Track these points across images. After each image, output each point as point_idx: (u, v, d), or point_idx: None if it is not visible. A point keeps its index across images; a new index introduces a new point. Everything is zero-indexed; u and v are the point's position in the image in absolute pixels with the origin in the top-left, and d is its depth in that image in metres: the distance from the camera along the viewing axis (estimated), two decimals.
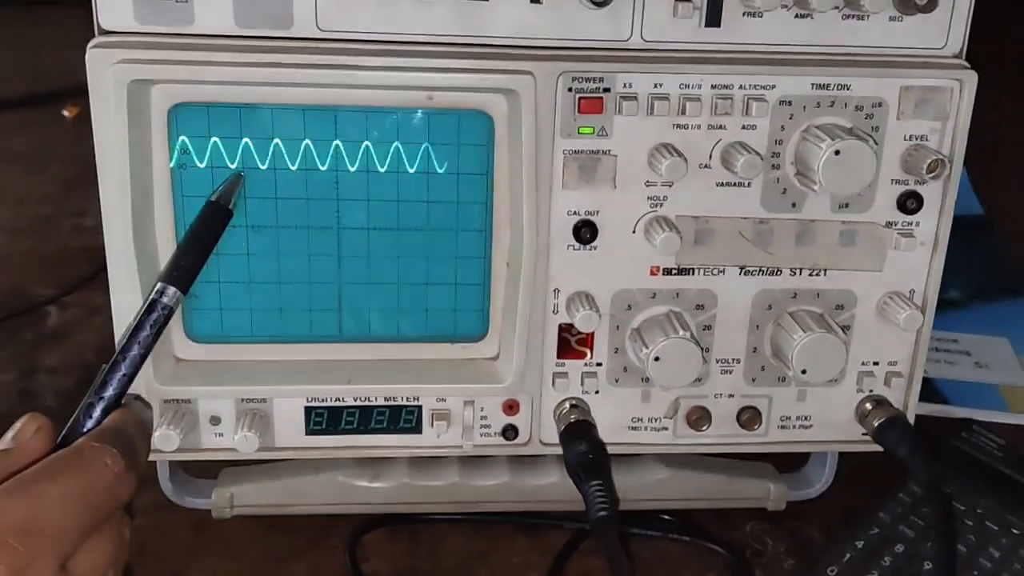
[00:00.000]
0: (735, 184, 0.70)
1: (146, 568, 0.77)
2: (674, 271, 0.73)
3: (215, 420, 0.74)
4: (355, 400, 0.75)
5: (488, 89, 0.68)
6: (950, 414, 0.97)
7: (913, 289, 0.74)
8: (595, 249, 0.71)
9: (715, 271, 0.73)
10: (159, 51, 0.65)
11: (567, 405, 0.75)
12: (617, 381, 0.75)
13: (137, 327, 0.64)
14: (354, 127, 0.69)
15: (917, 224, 0.72)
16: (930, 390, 0.99)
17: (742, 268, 0.73)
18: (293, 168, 0.70)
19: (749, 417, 0.76)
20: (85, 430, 0.60)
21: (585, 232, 0.71)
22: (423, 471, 0.82)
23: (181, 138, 0.68)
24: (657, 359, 0.70)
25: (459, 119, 0.70)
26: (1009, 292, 1.18)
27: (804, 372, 0.72)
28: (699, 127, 0.69)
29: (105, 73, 0.65)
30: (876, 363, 0.76)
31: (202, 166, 0.69)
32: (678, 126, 0.69)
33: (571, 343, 0.74)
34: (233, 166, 0.69)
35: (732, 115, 0.69)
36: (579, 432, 0.73)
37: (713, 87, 0.68)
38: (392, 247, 0.72)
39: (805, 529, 0.84)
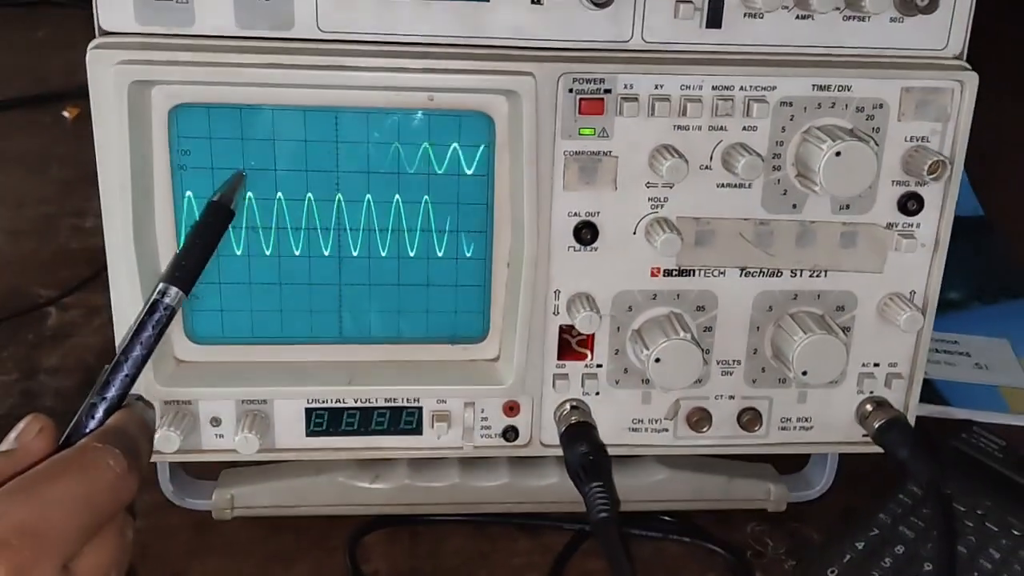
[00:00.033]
0: (736, 185, 0.70)
1: (147, 570, 0.77)
2: (675, 272, 0.73)
3: (216, 421, 0.74)
4: (355, 401, 0.75)
5: (489, 90, 0.68)
6: (950, 415, 0.97)
7: (914, 290, 0.74)
8: (596, 250, 0.71)
9: (716, 272, 0.73)
10: (160, 52, 0.65)
11: (567, 406, 0.75)
12: (617, 382, 0.75)
13: (139, 327, 0.63)
14: (355, 128, 0.69)
15: (918, 225, 0.72)
16: (930, 391, 0.99)
17: (743, 269, 0.73)
18: (293, 169, 0.70)
19: (750, 418, 0.76)
20: (88, 431, 0.60)
21: (586, 233, 0.71)
22: (423, 472, 0.82)
23: (182, 139, 0.68)
24: (658, 360, 0.70)
25: (459, 120, 0.70)
26: (1009, 293, 1.18)
27: (805, 373, 0.72)
28: (700, 128, 0.69)
29: (106, 74, 0.65)
30: (877, 364, 0.76)
31: (203, 167, 0.69)
32: (679, 127, 0.69)
33: (572, 344, 0.74)
34: (234, 167, 0.69)
35: (733, 116, 0.69)
36: (580, 433, 0.73)
37: (714, 88, 0.68)
38: (392, 248, 0.72)
39: (805, 530, 0.84)
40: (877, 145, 0.69)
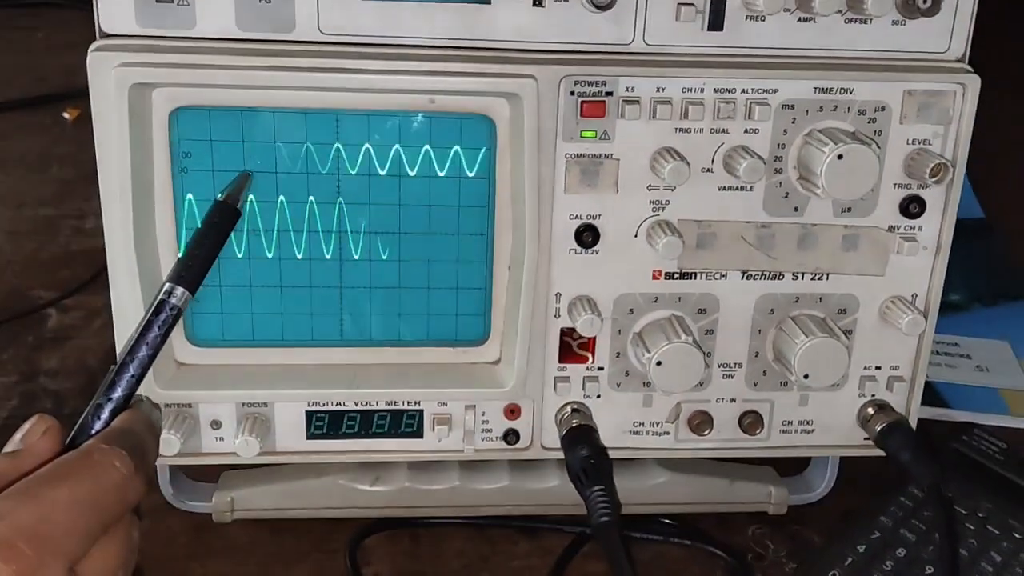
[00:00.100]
0: (737, 188, 0.70)
1: (147, 572, 0.77)
2: (676, 275, 0.73)
3: (216, 424, 0.74)
4: (356, 404, 0.74)
5: (490, 93, 0.68)
6: (951, 417, 0.97)
7: (915, 293, 0.74)
8: (597, 253, 0.71)
9: (717, 275, 0.73)
10: (160, 55, 0.65)
11: (568, 409, 0.75)
12: (619, 385, 0.75)
13: (145, 328, 0.63)
14: (355, 130, 0.69)
15: (919, 228, 0.72)
16: (931, 393, 0.98)
17: (744, 272, 0.73)
18: (294, 171, 0.70)
19: (751, 422, 0.76)
20: (94, 431, 0.59)
21: (587, 236, 0.70)
22: (424, 475, 0.82)
23: (182, 141, 0.68)
24: (659, 363, 0.70)
25: (461, 122, 0.70)
26: (1009, 295, 1.18)
27: (806, 377, 0.71)
28: (701, 131, 0.69)
29: (106, 76, 0.65)
30: (878, 367, 0.76)
31: (203, 169, 0.69)
32: (680, 130, 0.69)
33: (573, 347, 0.74)
34: (234, 169, 0.69)
35: (735, 119, 0.69)
36: (581, 436, 0.73)
37: (716, 91, 0.68)
38: (393, 251, 0.72)
39: (806, 533, 0.84)
40: (879, 148, 0.69)
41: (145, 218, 0.69)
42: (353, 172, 0.70)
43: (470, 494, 0.82)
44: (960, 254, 0.75)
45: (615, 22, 0.67)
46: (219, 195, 0.68)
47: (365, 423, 0.75)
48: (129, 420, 0.60)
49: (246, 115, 0.68)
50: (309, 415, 0.75)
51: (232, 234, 0.69)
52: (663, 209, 0.71)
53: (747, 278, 0.73)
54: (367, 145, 0.70)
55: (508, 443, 0.76)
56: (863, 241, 0.73)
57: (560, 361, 0.74)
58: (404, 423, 0.75)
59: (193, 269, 0.65)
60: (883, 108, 0.69)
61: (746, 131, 0.69)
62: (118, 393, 0.61)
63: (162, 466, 0.79)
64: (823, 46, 0.69)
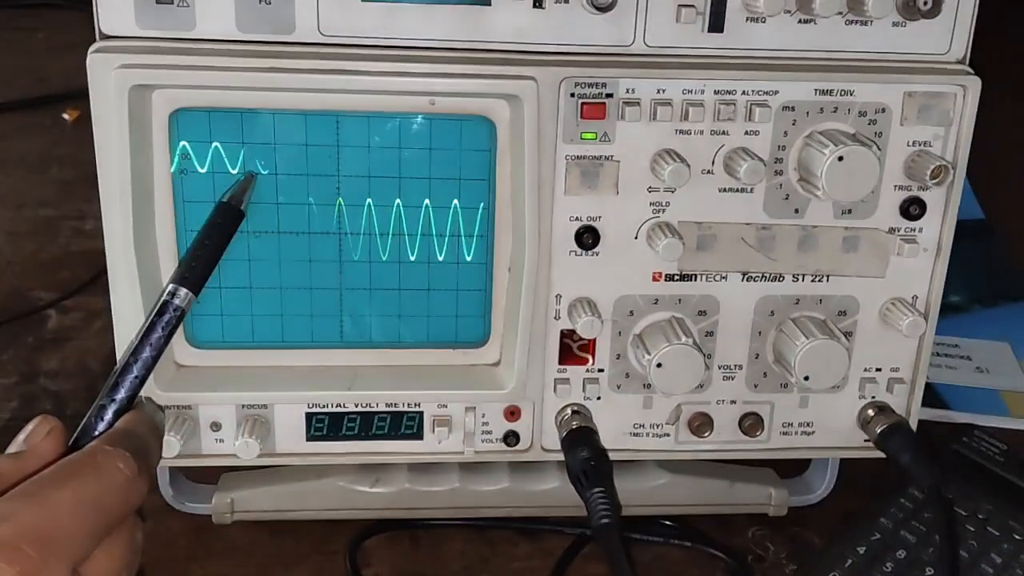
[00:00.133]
0: (738, 190, 0.70)
1: (147, 574, 0.77)
2: (676, 277, 0.73)
3: (216, 426, 0.74)
4: (356, 406, 0.74)
5: (490, 94, 0.68)
6: (951, 419, 0.97)
7: (916, 295, 0.74)
8: (597, 255, 0.71)
9: (717, 277, 0.73)
10: (160, 56, 0.65)
11: (569, 411, 0.75)
12: (619, 387, 0.75)
13: (149, 329, 0.63)
14: (356, 132, 0.69)
15: (920, 230, 0.72)
16: (931, 395, 0.98)
17: (744, 274, 0.73)
18: (294, 173, 0.70)
19: (751, 423, 0.76)
20: (97, 433, 0.59)
21: (587, 238, 0.70)
22: (424, 476, 0.82)
23: (182, 143, 0.68)
24: (659, 365, 0.70)
25: (461, 124, 0.70)
26: (1010, 296, 1.18)
27: (807, 378, 0.71)
28: (702, 133, 0.69)
29: (106, 78, 0.65)
30: (879, 369, 0.76)
31: (203, 171, 0.69)
32: (681, 132, 0.69)
33: (573, 349, 0.74)
34: (234, 171, 0.69)
35: (735, 121, 0.69)
36: (581, 438, 0.73)
37: (716, 92, 0.68)
38: (393, 252, 0.72)
39: (806, 534, 0.84)
40: (879, 150, 0.69)
41: (145, 220, 0.69)
42: (353, 174, 0.70)
43: (470, 496, 0.82)
44: (960, 255, 0.75)
45: (615, 24, 0.67)
46: (223, 196, 0.68)
47: (365, 425, 0.75)
48: (132, 421, 0.60)
49: (246, 117, 0.68)
50: (309, 417, 0.74)
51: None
52: (663, 211, 0.71)
53: (747, 280, 0.73)
54: (367, 147, 0.69)
55: (508, 445, 0.76)
56: (863, 243, 0.73)
57: (560, 363, 0.74)
58: (404, 425, 0.75)
59: (196, 270, 0.65)
60: (883, 110, 0.69)
61: (746, 133, 0.69)
62: (121, 394, 0.61)
63: (162, 468, 0.79)
64: (823, 48, 0.69)
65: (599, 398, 0.75)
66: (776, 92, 0.68)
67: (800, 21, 0.68)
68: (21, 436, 0.57)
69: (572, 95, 0.67)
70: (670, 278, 0.72)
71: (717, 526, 0.83)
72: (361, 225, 0.71)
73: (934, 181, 0.69)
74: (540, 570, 0.80)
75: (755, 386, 0.76)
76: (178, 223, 0.70)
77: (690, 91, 0.68)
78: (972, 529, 0.78)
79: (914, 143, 0.70)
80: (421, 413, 0.75)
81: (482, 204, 0.71)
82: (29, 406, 0.94)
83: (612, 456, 0.73)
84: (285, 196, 0.70)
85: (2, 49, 1.73)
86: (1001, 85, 0.80)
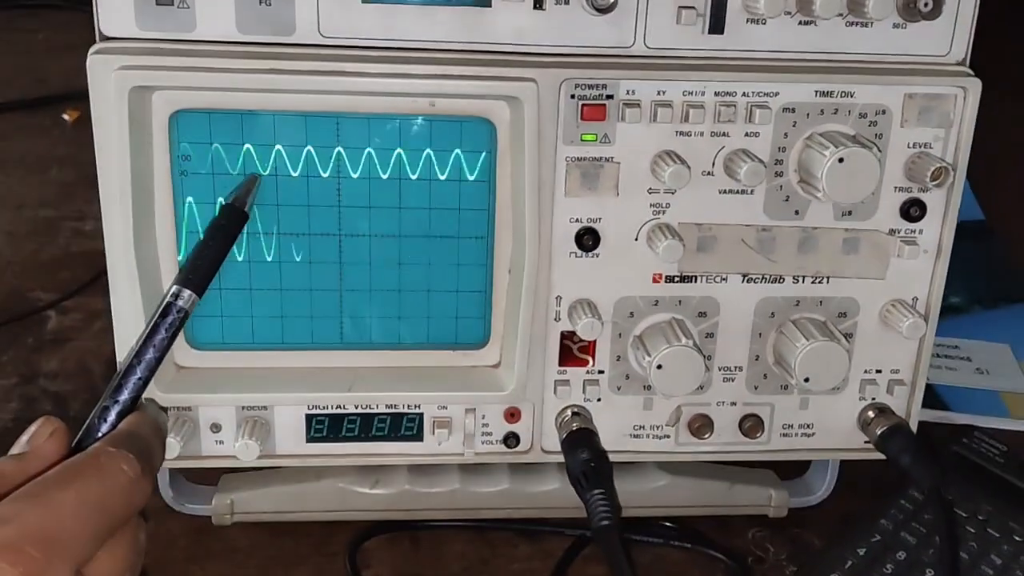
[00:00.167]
0: (738, 191, 0.70)
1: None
2: (676, 279, 0.72)
3: (216, 427, 0.74)
4: (356, 408, 0.74)
5: (490, 96, 0.68)
6: (951, 420, 0.97)
7: (916, 297, 0.74)
8: (597, 256, 0.71)
9: (718, 279, 0.73)
10: (160, 57, 0.65)
11: (569, 413, 0.75)
12: (619, 389, 0.75)
13: (152, 330, 0.63)
14: (356, 133, 0.69)
15: (920, 232, 0.72)
16: (931, 396, 0.98)
17: (745, 276, 0.73)
18: (295, 175, 0.70)
19: (751, 425, 0.76)
20: (100, 434, 0.59)
21: (587, 239, 0.70)
22: (424, 478, 0.82)
23: (182, 144, 0.68)
24: (659, 367, 0.70)
25: (461, 126, 0.70)
26: (1010, 297, 1.18)
27: (807, 380, 0.71)
28: (702, 134, 0.69)
29: (106, 79, 0.64)
30: (879, 371, 0.76)
31: (203, 172, 0.69)
32: (681, 133, 0.69)
33: (573, 351, 0.74)
34: (234, 173, 0.69)
35: (735, 122, 0.69)
36: (581, 440, 0.73)
37: (716, 94, 0.68)
38: (393, 254, 0.72)
39: (807, 536, 0.83)
40: (880, 151, 0.69)
41: (145, 221, 0.69)
42: (354, 175, 0.70)
43: (470, 497, 0.82)
44: (960, 256, 0.75)
45: (616, 25, 0.67)
46: (227, 197, 0.68)
47: (365, 426, 0.75)
48: (136, 423, 0.60)
49: (246, 118, 0.68)
50: (309, 418, 0.74)
51: None
52: (663, 212, 0.71)
53: (748, 281, 0.73)
54: (367, 148, 0.69)
55: (508, 446, 0.76)
56: (864, 244, 0.72)
57: (560, 364, 0.74)
58: (404, 426, 0.75)
59: (200, 272, 0.65)
60: (884, 111, 0.69)
61: (747, 134, 0.69)
62: (125, 395, 0.61)
63: (162, 469, 0.79)
64: (824, 49, 0.69)
65: (599, 400, 0.75)
66: (776, 94, 0.68)
67: (800, 23, 0.68)
68: (24, 437, 0.56)
69: (572, 96, 0.67)
70: (670, 280, 0.72)
71: (717, 527, 0.83)
72: (361, 226, 0.71)
73: (934, 183, 0.69)
74: (540, 571, 0.80)
75: (755, 388, 0.76)
76: (178, 224, 0.70)
77: (690, 93, 0.68)
78: (972, 530, 0.78)
79: (914, 145, 0.70)
80: (421, 415, 0.75)
81: (482, 206, 0.71)
82: (29, 407, 0.94)
83: (612, 458, 0.73)
84: (285, 197, 0.70)
85: (2, 50, 1.73)
86: (1001, 85, 0.80)
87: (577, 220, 0.70)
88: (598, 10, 0.65)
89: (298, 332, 0.73)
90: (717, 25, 0.67)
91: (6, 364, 1.00)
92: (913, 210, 0.72)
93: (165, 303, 0.64)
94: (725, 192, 0.70)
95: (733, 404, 0.76)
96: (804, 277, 0.73)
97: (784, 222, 0.72)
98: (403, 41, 0.67)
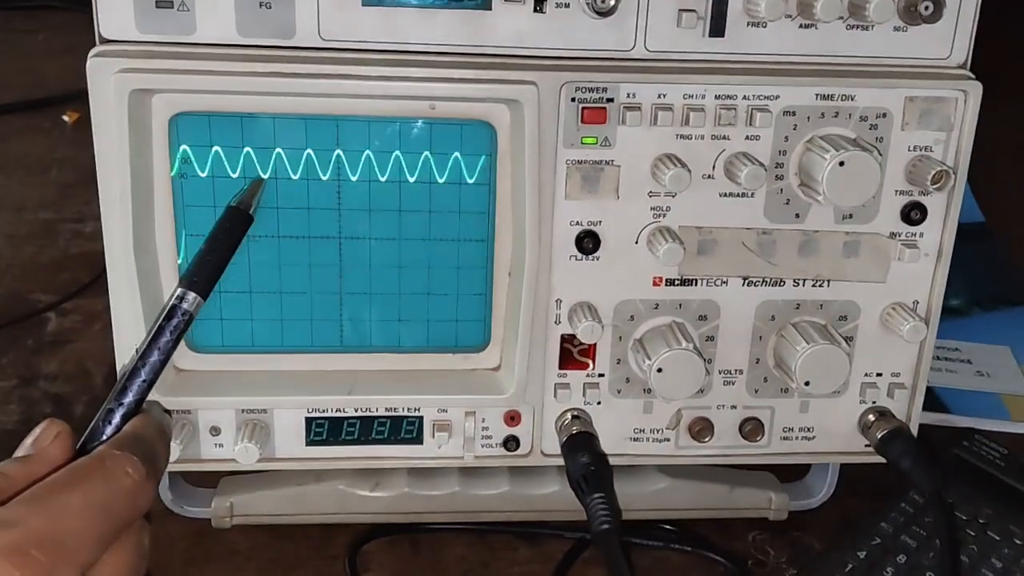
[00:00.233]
0: (738, 195, 0.70)
1: None
2: (677, 282, 0.72)
3: (215, 430, 0.74)
4: (356, 411, 0.74)
5: (491, 99, 0.68)
6: (952, 423, 0.97)
7: (917, 300, 0.74)
8: (597, 259, 0.71)
9: (718, 282, 0.73)
10: (160, 60, 0.65)
11: (569, 416, 0.75)
12: (619, 392, 0.75)
13: (157, 332, 0.63)
14: (356, 136, 0.69)
15: (921, 235, 0.72)
16: (931, 399, 0.98)
17: (745, 279, 0.73)
18: (294, 177, 0.70)
19: (752, 428, 0.76)
20: (105, 437, 0.59)
21: (588, 242, 0.70)
22: (423, 480, 0.82)
23: (182, 147, 0.68)
24: (660, 370, 0.70)
25: (461, 129, 0.69)
26: (1010, 300, 1.18)
27: (807, 383, 0.71)
28: (703, 137, 0.69)
29: (106, 82, 0.64)
30: (879, 374, 0.76)
31: (203, 175, 0.69)
32: (682, 136, 0.69)
33: (573, 354, 0.74)
34: (235, 175, 0.69)
35: (736, 125, 0.69)
36: (581, 443, 0.73)
37: (717, 97, 0.68)
38: (393, 257, 0.72)
39: (807, 539, 0.83)
40: (880, 155, 0.69)
41: (145, 224, 0.69)
42: (353, 178, 0.70)
43: (470, 500, 0.82)
44: (960, 259, 0.75)
45: (616, 28, 0.67)
46: (232, 200, 0.68)
47: (365, 429, 0.75)
48: (140, 426, 0.60)
49: (246, 121, 0.68)
50: (309, 421, 0.74)
51: None
52: (664, 215, 0.70)
53: (748, 285, 0.73)
54: (367, 151, 0.69)
55: (508, 450, 0.76)
56: (864, 248, 0.72)
57: (560, 367, 0.74)
58: (404, 429, 0.75)
59: (205, 274, 0.65)
60: (884, 115, 0.69)
61: (747, 138, 0.69)
62: (129, 398, 0.61)
63: None
64: (824, 52, 0.69)
65: (599, 403, 0.75)
66: (777, 97, 0.68)
67: (801, 26, 0.68)
68: (28, 440, 0.56)
69: (573, 100, 0.67)
70: (671, 283, 0.72)
71: (717, 530, 0.83)
72: (361, 229, 0.71)
73: (935, 186, 0.69)
74: (540, 574, 0.80)
75: (755, 391, 0.76)
76: (178, 227, 0.70)
77: (691, 96, 0.68)
78: (973, 534, 0.78)
79: (915, 148, 0.70)
80: (421, 418, 0.75)
81: (482, 209, 0.71)
82: (29, 409, 0.94)
83: (612, 461, 0.73)
84: (285, 200, 0.70)
85: (2, 51, 1.73)
86: (1001, 87, 0.80)
87: (577, 223, 0.70)
88: (599, 13, 0.65)
89: (298, 335, 0.73)
90: (718, 28, 0.67)
91: (6, 366, 1.00)
92: (914, 213, 0.71)
93: (170, 305, 0.64)
94: (725, 195, 0.70)
95: (733, 407, 0.76)
96: (805, 280, 0.73)
97: (785, 225, 0.71)
98: (403, 44, 0.67)
